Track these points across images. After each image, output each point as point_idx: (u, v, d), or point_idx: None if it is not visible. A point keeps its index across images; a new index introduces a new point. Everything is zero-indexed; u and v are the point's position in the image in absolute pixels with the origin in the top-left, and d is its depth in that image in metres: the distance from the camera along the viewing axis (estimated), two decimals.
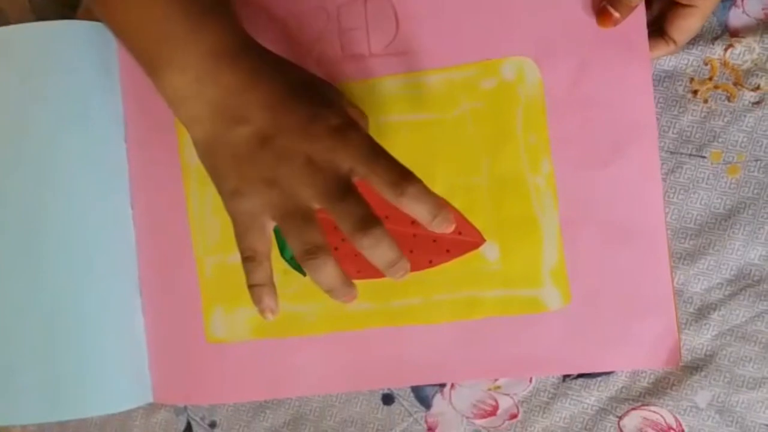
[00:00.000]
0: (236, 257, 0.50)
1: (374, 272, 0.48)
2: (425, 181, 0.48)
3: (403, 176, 0.41)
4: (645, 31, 0.46)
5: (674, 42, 0.46)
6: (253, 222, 0.43)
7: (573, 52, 0.47)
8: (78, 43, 0.52)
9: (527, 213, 0.48)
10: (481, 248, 0.48)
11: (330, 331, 0.50)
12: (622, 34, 0.46)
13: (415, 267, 0.48)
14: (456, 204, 0.49)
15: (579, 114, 0.47)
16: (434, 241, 0.48)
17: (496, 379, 0.50)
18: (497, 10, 0.48)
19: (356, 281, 0.48)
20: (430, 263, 0.48)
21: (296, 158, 0.41)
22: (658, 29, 0.47)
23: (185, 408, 0.54)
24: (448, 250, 0.48)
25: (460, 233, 0.48)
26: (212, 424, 0.53)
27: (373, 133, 0.49)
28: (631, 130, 0.47)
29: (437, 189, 0.48)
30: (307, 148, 0.41)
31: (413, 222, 0.47)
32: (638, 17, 0.46)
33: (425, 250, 0.48)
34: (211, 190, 0.50)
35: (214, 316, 0.52)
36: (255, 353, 0.51)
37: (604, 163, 0.47)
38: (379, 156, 0.41)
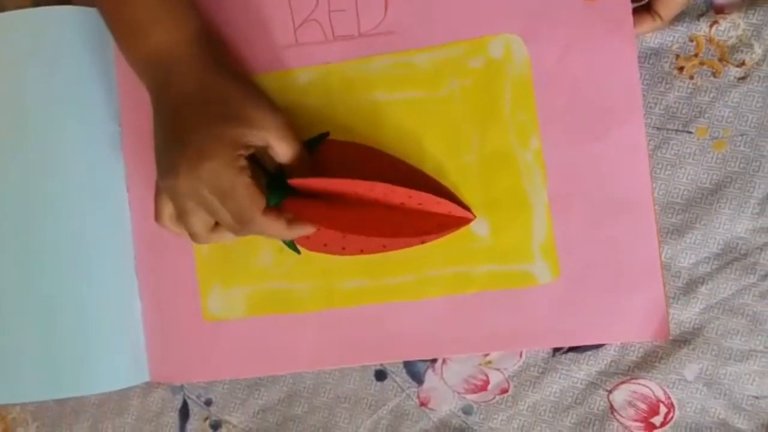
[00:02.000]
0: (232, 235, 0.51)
1: (360, 249, 0.49)
2: (416, 159, 0.49)
3: (242, 221, 0.45)
4: (629, 7, 0.46)
5: (660, 17, 0.46)
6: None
7: (559, 29, 0.48)
8: (73, 29, 0.53)
9: (517, 189, 0.49)
10: (472, 224, 0.49)
11: (324, 308, 0.51)
12: (607, 10, 0.47)
13: (407, 243, 0.49)
14: (446, 181, 0.49)
15: (566, 90, 0.48)
16: (426, 218, 0.49)
17: (487, 354, 0.51)
18: None
19: (348, 258, 0.50)
20: (422, 240, 0.49)
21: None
22: (644, 5, 0.47)
23: (182, 387, 0.54)
24: (439, 226, 0.49)
25: (450, 212, 0.49)
26: (208, 402, 0.54)
27: (361, 111, 0.49)
28: (617, 104, 0.47)
29: (427, 167, 0.49)
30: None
31: (403, 203, 0.48)
32: None
33: (416, 226, 0.49)
34: None
35: (211, 294, 0.52)
36: (251, 330, 0.52)
37: (591, 138, 0.48)
38: (224, 199, 0.44)
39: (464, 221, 0.49)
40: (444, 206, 0.48)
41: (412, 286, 0.50)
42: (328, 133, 0.50)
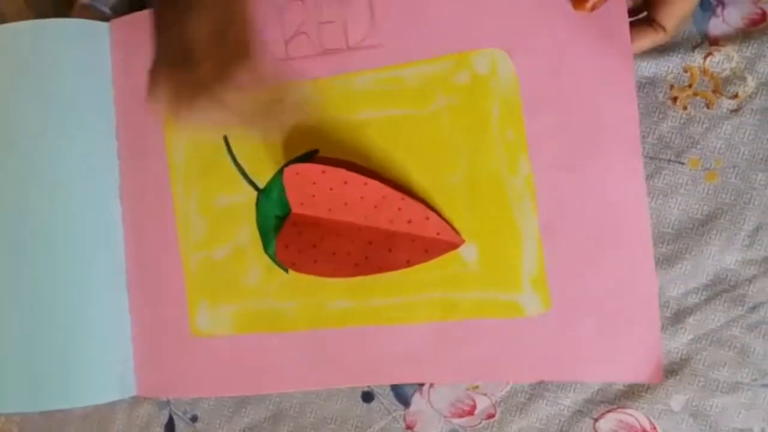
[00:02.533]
0: (221, 253, 0.51)
1: (352, 271, 0.49)
2: (403, 179, 0.49)
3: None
4: (626, 19, 0.45)
5: (663, 29, 0.44)
6: None
7: (549, 43, 0.46)
8: (71, 41, 0.53)
9: (506, 214, 0.47)
10: (460, 249, 0.48)
11: (311, 328, 0.51)
12: (602, 23, 0.45)
13: (393, 266, 0.48)
14: (434, 203, 0.48)
15: (557, 110, 0.46)
16: (413, 240, 0.48)
17: None
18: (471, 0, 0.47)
19: (336, 280, 0.49)
20: (408, 263, 0.48)
21: None
22: (643, 18, 0.45)
23: (168, 402, 0.54)
24: (426, 251, 0.48)
25: (438, 233, 0.48)
26: (194, 418, 0.54)
27: (350, 129, 0.49)
28: (612, 126, 0.45)
29: (415, 187, 0.49)
30: None
31: (392, 221, 0.48)
32: (618, 3, 0.44)
33: (403, 249, 0.48)
34: (197, 188, 0.51)
35: (199, 311, 0.52)
36: (237, 348, 0.52)
37: (584, 163, 0.46)
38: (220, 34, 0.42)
39: (452, 245, 0.48)
40: (433, 223, 0.48)
41: (398, 309, 0.49)
42: (317, 151, 0.50)
